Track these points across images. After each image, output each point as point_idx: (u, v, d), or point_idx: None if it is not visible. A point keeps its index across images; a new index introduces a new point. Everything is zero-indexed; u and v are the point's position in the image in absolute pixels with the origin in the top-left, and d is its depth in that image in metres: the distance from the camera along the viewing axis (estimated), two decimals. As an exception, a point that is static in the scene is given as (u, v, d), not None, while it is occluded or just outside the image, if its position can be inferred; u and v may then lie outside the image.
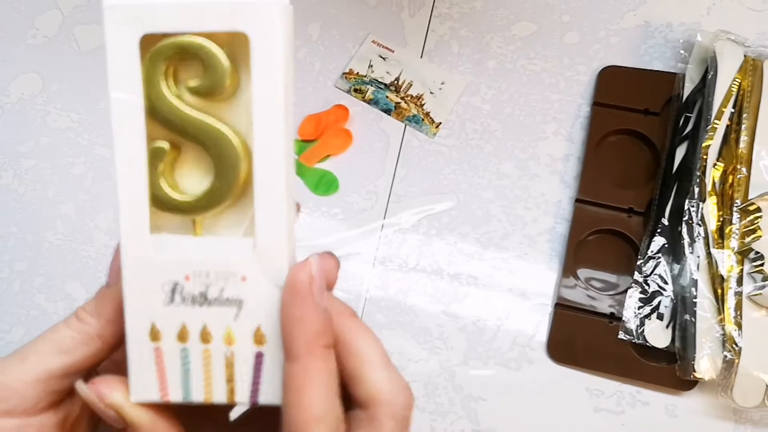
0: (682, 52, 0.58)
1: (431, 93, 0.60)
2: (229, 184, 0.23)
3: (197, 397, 0.23)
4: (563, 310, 0.53)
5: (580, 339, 0.53)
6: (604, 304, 0.53)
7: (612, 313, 0.53)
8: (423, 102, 0.59)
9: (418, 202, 0.57)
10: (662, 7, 0.61)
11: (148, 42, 0.22)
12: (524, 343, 0.54)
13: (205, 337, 0.23)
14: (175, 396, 0.23)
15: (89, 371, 0.24)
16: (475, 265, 0.56)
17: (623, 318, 0.52)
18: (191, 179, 0.24)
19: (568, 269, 0.54)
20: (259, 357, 0.23)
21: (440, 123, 0.59)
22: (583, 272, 0.54)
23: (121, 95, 0.22)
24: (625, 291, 0.53)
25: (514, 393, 0.53)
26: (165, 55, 0.22)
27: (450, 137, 0.59)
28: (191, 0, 0.22)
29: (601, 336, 0.52)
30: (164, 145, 0.23)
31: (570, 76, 0.59)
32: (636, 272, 0.53)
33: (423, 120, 0.59)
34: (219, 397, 0.23)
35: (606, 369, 0.52)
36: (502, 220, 0.56)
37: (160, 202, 0.23)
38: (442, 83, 0.60)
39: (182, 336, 0.23)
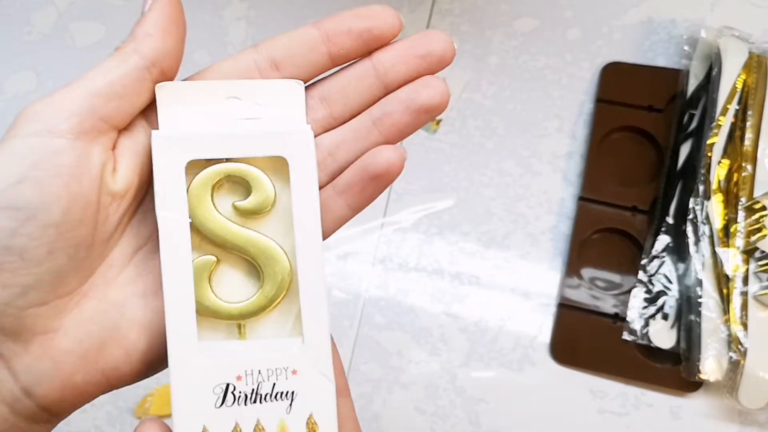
0: (686, 48, 0.57)
1: (432, 90, 0.59)
2: (277, 292, 0.25)
3: None
4: (566, 310, 0.53)
5: (584, 340, 0.52)
6: (608, 304, 0.52)
7: (616, 314, 0.52)
8: (423, 99, 0.59)
9: (419, 200, 0.57)
10: (666, 3, 0.60)
11: (193, 166, 0.24)
12: (527, 344, 0.53)
13: None
14: None
15: None
16: (477, 265, 0.55)
17: (627, 318, 0.51)
18: (229, 286, 0.25)
19: (572, 269, 0.53)
20: None
21: (441, 120, 0.58)
22: (587, 272, 0.54)
23: (167, 214, 0.24)
24: (630, 291, 0.52)
25: (516, 395, 0.52)
26: (211, 178, 0.25)
27: (451, 134, 0.58)
28: (233, 131, 0.25)
29: (605, 336, 0.51)
30: (211, 258, 0.25)
31: (572, 73, 0.59)
32: (640, 271, 0.52)
33: (423, 117, 0.58)
34: None
35: (610, 370, 0.51)
36: (503, 218, 0.56)
37: (207, 311, 0.24)
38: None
39: None
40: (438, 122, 0.58)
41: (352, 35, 0.25)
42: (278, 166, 0.25)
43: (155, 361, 0.25)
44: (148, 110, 0.25)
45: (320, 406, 0.24)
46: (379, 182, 0.25)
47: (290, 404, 0.24)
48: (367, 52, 0.26)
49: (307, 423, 0.24)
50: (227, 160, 0.25)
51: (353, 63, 0.26)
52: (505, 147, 0.57)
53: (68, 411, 0.24)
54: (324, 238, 0.26)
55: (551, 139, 0.57)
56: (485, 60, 0.59)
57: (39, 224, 0.22)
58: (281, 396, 0.24)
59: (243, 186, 0.25)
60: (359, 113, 0.26)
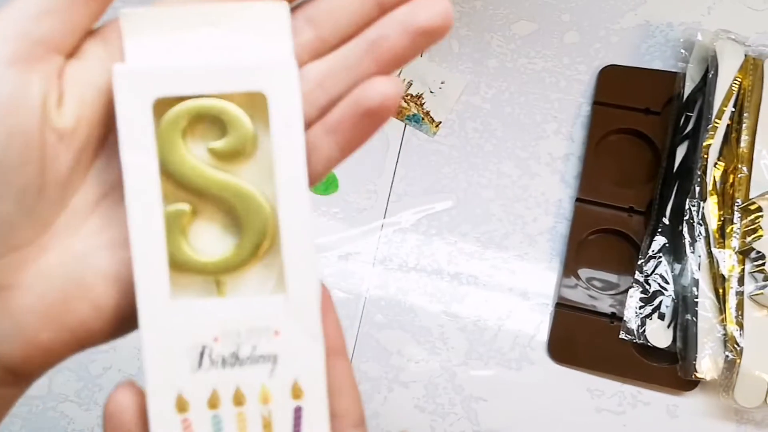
0: (682, 51, 0.57)
1: (431, 92, 0.59)
2: (258, 242, 0.22)
3: None
4: (564, 310, 0.53)
5: (581, 339, 0.52)
6: (605, 304, 0.53)
7: (613, 313, 0.52)
8: (423, 101, 0.59)
9: (418, 201, 0.57)
10: (662, 6, 0.60)
11: (162, 104, 0.22)
12: (525, 344, 0.53)
13: (238, 399, 0.22)
14: None
15: None
16: (476, 265, 0.55)
17: (624, 318, 0.52)
18: (206, 239, 0.23)
19: (569, 269, 0.54)
20: (298, 411, 0.22)
21: (440, 122, 0.59)
22: (584, 272, 0.54)
23: (133, 157, 0.21)
24: (626, 291, 0.52)
25: (514, 393, 0.53)
26: (182, 117, 0.22)
27: (450, 136, 0.58)
28: (205, 63, 0.22)
29: (602, 336, 0.52)
30: (184, 207, 0.22)
31: (570, 75, 0.59)
32: (637, 272, 0.52)
33: (423, 119, 0.59)
34: None
35: (607, 369, 0.52)
36: (502, 219, 0.56)
37: (181, 265, 0.22)
38: (442, 82, 0.60)
39: (213, 402, 0.22)
40: (437, 125, 0.59)
41: None
42: (258, 104, 0.22)
43: (129, 316, 0.22)
44: (110, 38, 0.22)
45: (306, 370, 0.22)
46: (372, 119, 0.22)
47: (272, 368, 0.22)
48: None
49: (292, 389, 0.22)
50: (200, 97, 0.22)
51: None
52: (504, 149, 0.58)
53: (36, 372, 0.23)
54: (312, 183, 0.23)
55: (549, 141, 0.58)
56: (484, 63, 0.60)
57: None
58: (263, 359, 0.22)
59: (218, 127, 0.22)
60: (351, 37, 0.23)
